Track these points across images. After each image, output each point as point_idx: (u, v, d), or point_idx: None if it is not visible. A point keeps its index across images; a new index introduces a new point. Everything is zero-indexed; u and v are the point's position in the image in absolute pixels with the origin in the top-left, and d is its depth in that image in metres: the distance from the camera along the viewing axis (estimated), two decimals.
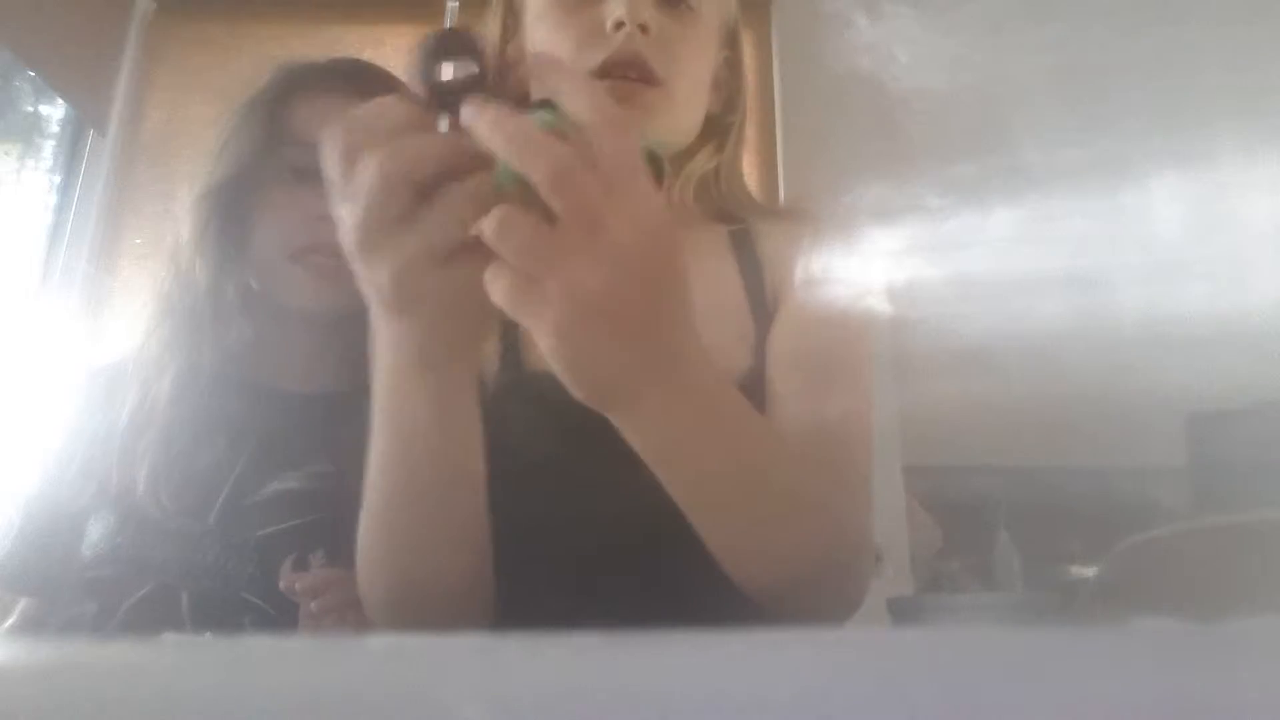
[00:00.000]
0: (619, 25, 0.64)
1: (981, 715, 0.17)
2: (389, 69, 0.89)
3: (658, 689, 0.18)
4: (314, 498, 0.76)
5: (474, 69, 0.41)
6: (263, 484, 0.77)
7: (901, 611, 0.83)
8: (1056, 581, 1.48)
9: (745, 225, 0.72)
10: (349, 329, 0.83)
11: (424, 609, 0.55)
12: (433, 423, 0.49)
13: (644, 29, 0.64)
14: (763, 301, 0.69)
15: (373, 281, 0.43)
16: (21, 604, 0.84)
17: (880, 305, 0.72)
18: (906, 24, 1.68)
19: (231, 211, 0.81)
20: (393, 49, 2.09)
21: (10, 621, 0.83)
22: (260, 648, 0.21)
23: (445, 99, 0.41)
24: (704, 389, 0.47)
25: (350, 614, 0.66)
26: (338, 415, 0.80)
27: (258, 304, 0.83)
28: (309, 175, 0.81)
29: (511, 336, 0.67)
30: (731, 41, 0.76)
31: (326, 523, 0.74)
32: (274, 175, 0.82)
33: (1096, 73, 1.87)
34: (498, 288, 0.40)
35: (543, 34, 0.68)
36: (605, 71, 0.64)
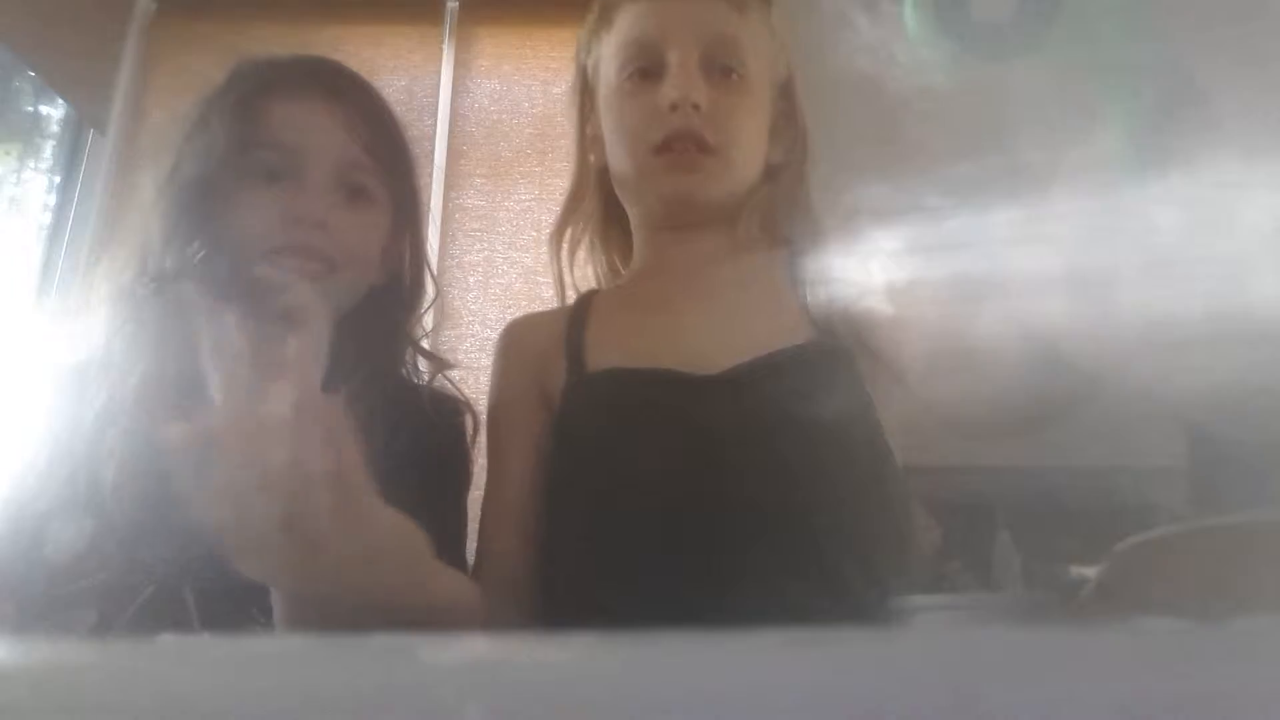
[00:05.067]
0: (674, 107, 0.72)
1: (981, 715, 0.17)
2: (358, 69, 0.88)
3: (658, 689, 0.18)
4: None
5: None
6: None
7: (901, 611, 0.83)
8: (1056, 581, 1.48)
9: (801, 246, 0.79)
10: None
11: None
12: None
13: (696, 108, 0.72)
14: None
15: None
16: None
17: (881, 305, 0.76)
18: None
19: (201, 211, 0.79)
20: (392, 49, 2.09)
21: None
22: (260, 648, 0.21)
23: None
24: None
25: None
26: None
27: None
28: (282, 176, 0.80)
29: (575, 347, 0.76)
30: (786, 94, 0.83)
31: None
32: (245, 176, 0.79)
33: (1096, 73, 1.87)
34: None
35: (611, 118, 0.77)
36: (665, 146, 0.72)
